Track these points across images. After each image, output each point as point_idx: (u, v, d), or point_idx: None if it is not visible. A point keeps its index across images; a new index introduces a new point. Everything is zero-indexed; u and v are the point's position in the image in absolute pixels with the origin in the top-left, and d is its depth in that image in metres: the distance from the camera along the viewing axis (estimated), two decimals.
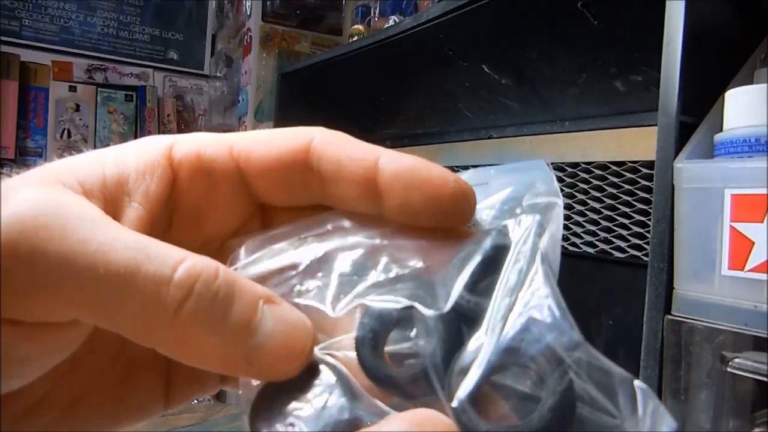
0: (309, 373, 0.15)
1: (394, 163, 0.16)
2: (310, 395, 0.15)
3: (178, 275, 0.14)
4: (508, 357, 0.14)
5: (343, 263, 0.17)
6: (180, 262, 0.14)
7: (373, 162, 0.17)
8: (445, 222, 0.16)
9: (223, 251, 0.18)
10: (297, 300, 0.16)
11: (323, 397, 0.15)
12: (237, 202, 0.19)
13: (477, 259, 0.16)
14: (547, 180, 0.17)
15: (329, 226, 0.17)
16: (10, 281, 0.13)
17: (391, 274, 0.16)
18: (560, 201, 0.17)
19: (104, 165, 0.16)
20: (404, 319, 0.16)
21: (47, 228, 0.13)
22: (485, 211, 0.17)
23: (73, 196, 0.15)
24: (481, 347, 0.14)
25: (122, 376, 0.18)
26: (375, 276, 0.16)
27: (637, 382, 0.14)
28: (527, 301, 0.15)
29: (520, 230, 0.16)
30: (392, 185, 0.16)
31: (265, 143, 0.18)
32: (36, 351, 0.15)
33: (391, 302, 0.16)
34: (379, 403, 0.15)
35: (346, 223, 0.18)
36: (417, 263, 0.16)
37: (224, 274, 0.14)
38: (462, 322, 0.15)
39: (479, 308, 0.15)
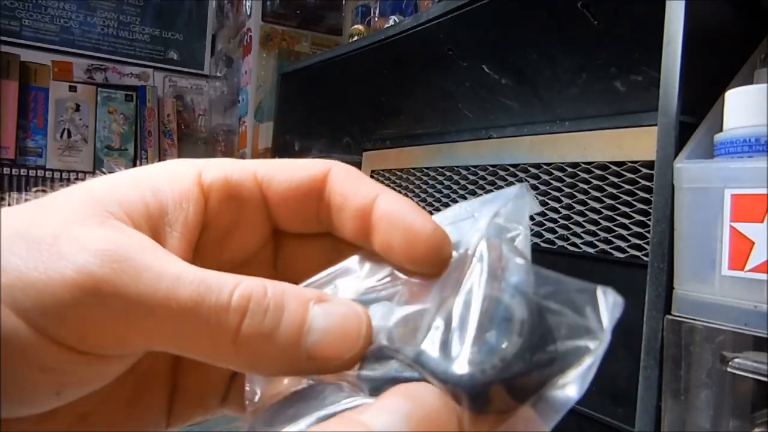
0: (310, 387, 0.16)
1: (387, 202, 0.18)
2: (312, 399, 0.16)
3: (234, 300, 0.15)
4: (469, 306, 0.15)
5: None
6: (235, 287, 0.15)
7: (371, 198, 0.18)
8: (419, 267, 0.17)
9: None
10: None
11: (327, 397, 0.15)
12: (258, 226, 0.20)
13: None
14: (522, 196, 0.18)
15: (335, 284, 0.18)
16: (91, 319, 0.14)
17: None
18: (527, 218, 0.18)
19: (143, 194, 0.17)
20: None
21: (124, 270, 0.15)
22: (473, 241, 0.18)
23: (132, 234, 0.16)
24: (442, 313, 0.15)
25: (130, 394, 0.19)
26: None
27: (599, 288, 0.15)
28: (484, 265, 0.16)
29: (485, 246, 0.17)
30: (380, 223, 0.18)
31: (286, 171, 0.19)
32: (95, 376, 0.16)
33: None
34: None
35: (351, 272, 0.18)
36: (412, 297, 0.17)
37: (273, 289, 0.16)
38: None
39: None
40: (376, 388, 0.16)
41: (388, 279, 0.18)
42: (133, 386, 0.19)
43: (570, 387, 0.14)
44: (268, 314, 0.15)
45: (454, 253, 0.17)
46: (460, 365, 0.14)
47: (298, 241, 0.21)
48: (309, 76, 1.25)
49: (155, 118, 1.93)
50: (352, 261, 0.19)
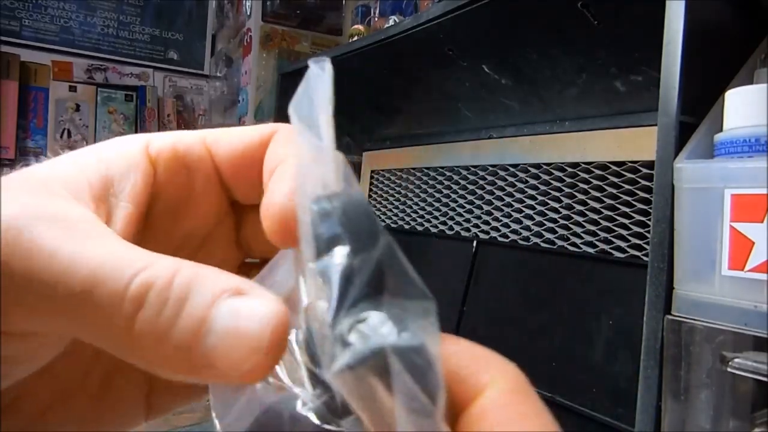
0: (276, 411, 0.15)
1: (285, 165, 0.16)
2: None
3: (131, 289, 0.13)
4: None
5: None
6: (136, 274, 0.13)
7: (281, 160, 0.16)
8: (271, 240, 0.16)
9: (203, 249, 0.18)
10: None
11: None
12: (212, 195, 0.19)
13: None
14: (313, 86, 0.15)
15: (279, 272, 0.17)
16: None
17: None
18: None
19: (87, 168, 0.16)
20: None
21: (16, 245, 0.13)
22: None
23: (52, 202, 0.15)
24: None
25: (99, 383, 0.18)
26: None
27: None
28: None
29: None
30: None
31: (233, 134, 0.18)
32: (20, 355, 0.15)
33: None
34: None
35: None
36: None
37: (183, 276, 0.13)
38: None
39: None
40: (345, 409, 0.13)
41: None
42: (100, 378, 0.18)
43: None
44: (166, 308, 0.13)
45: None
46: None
47: (257, 214, 0.20)
48: None
49: (155, 118, 1.93)
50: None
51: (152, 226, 0.18)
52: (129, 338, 0.13)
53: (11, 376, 0.15)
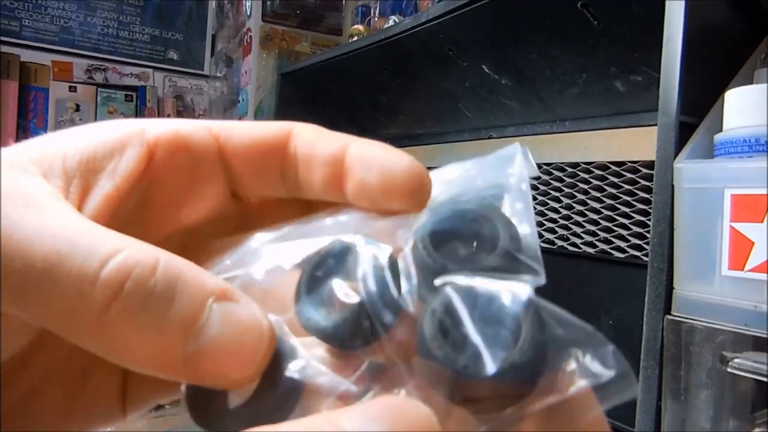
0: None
1: (360, 146, 0.17)
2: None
3: (105, 272, 0.12)
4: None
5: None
6: (111, 255, 0.12)
7: (343, 145, 0.17)
8: (399, 204, 0.16)
9: (203, 249, 0.18)
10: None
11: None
12: (215, 185, 0.18)
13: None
14: (520, 164, 0.17)
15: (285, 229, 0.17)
16: None
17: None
18: (527, 182, 0.16)
19: (66, 144, 0.15)
20: (344, 259, 0.15)
21: None
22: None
23: (14, 177, 0.14)
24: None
25: (75, 375, 0.17)
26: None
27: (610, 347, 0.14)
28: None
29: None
30: (354, 165, 0.16)
31: (246, 126, 0.18)
32: None
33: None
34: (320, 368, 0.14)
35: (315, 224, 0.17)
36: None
37: (165, 268, 0.13)
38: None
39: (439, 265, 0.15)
40: (320, 338, 0.14)
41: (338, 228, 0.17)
42: (76, 370, 0.17)
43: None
44: (150, 302, 0.12)
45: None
46: (470, 357, 0.13)
47: (261, 210, 0.19)
48: (309, 76, 1.25)
49: (155, 118, 1.93)
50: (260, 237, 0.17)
51: (149, 212, 0.17)
52: (98, 326, 0.12)
53: None
